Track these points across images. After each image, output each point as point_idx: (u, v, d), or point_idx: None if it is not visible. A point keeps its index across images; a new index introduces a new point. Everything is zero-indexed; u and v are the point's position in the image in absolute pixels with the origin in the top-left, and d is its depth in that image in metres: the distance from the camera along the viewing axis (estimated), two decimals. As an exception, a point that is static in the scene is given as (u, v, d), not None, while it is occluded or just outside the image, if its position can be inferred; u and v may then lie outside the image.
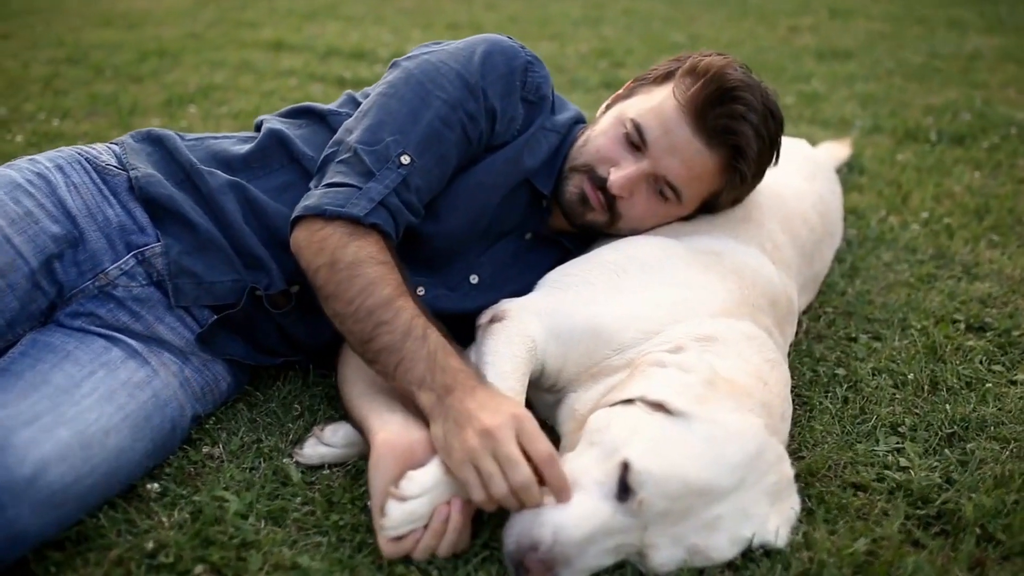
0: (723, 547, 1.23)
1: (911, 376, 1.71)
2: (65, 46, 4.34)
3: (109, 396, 1.40)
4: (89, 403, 1.37)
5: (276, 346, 1.67)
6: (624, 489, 1.20)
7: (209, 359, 1.60)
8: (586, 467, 1.26)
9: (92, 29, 4.71)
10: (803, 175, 2.02)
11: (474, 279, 1.74)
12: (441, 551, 1.26)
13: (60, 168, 1.57)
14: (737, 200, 1.75)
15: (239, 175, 1.64)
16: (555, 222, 1.79)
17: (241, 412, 1.63)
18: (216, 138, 1.75)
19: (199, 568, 1.27)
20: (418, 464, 1.29)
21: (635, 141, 1.63)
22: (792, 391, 1.64)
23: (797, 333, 1.87)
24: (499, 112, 1.62)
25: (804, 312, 1.95)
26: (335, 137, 1.60)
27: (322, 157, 1.59)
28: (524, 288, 1.66)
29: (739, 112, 1.59)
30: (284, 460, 1.50)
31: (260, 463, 1.50)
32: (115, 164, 1.61)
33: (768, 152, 1.67)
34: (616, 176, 1.63)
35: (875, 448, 1.53)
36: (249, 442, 1.55)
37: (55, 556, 1.31)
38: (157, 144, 1.68)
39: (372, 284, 1.40)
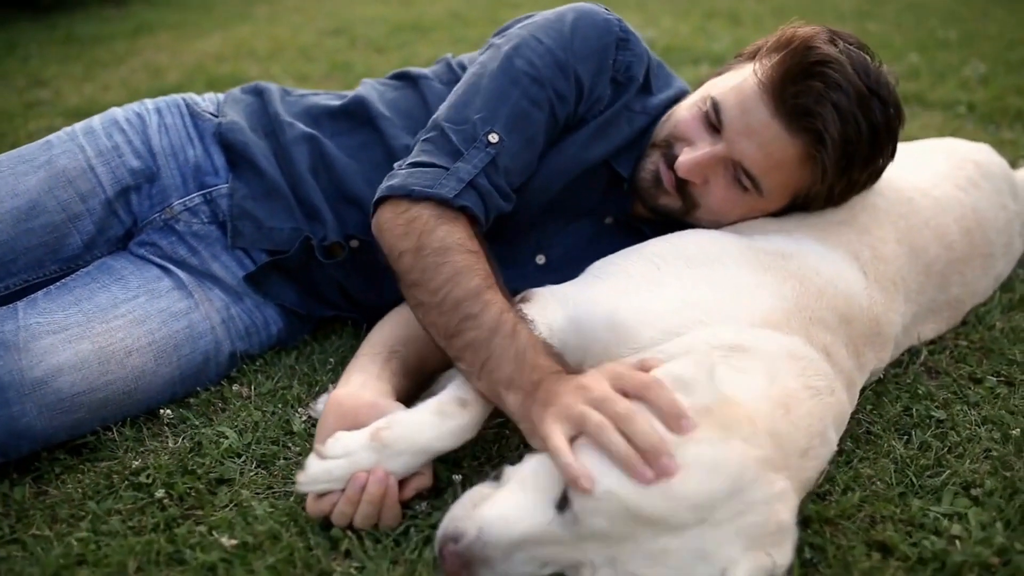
0: None
1: (1016, 432, 1.40)
2: (334, 19, 4.69)
3: (142, 320, 1.50)
4: (120, 323, 1.48)
5: (331, 298, 1.70)
6: (566, 499, 1.08)
7: (262, 302, 1.65)
8: (541, 467, 1.14)
9: (363, 5, 5.05)
10: (956, 181, 1.71)
11: (540, 259, 1.66)
12: (357, 520, 1.21)
13: (159, 110, 1.70)
14: (834, 199, 1.52)
15: (322, 130, 1.68)
16: (638, 208, 1.66)
17: (285, 358, 1.67)
18: (317, 94, 1.80)
19: (160, 492, 1.33)
20: (358, 427, 1.25)
21: (713, 121, 1.47)
22: (861, 428, 1.42)
23: (909, 363, 1.60)
24: (587, 91, 1.52)
25: (931, 342, 1.66)
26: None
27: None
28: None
29: (817, 90, 1.38)
30: (291, 409, 1.52)
31: (279, 408, 1.54)
32: (211, 111, 1.72)
33: (868, 143, 1.42)
34: (685, 157, 1.48)
35: (931, 508, 1.26)
36: (280, 388, 1.60)
37: (66, 460, 1.43)
38: (257, 96, 1.77)
39: (460, 273, 1.30)
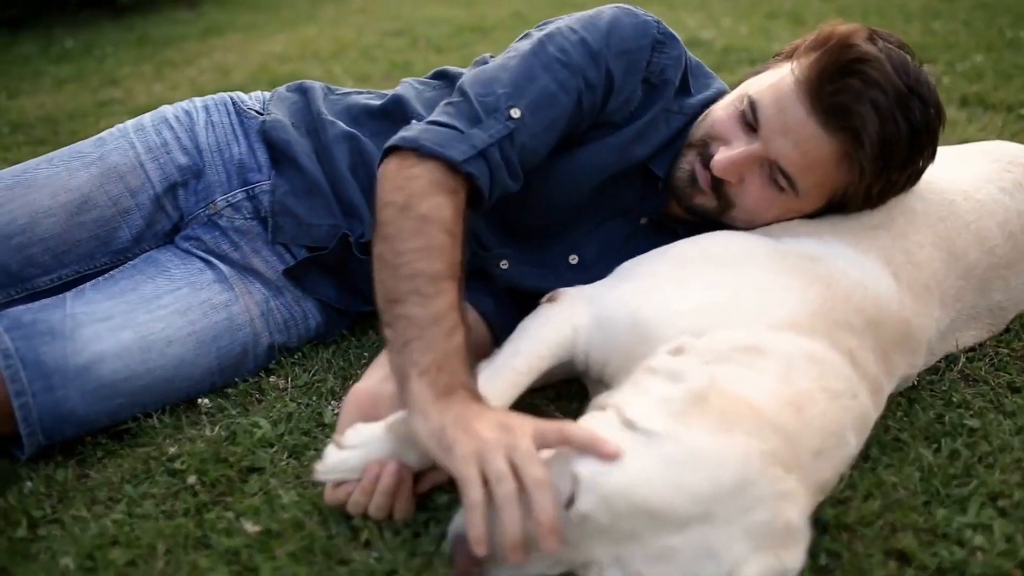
0: None
1: (1050, 443, 1.37)
2: (397, 20, 4.76)
3: (184, 311, 1.56)
4: (162, 314, 1.54)
5: (369, 293, 1.71)
6: (572, 498, 1.09)
7: (301, 296, 1.70)
8: (551, 474, 1.13)
9: (427, 6, 5.11)
10: (1000, 184, 1.67)
11: (574, 259, 1.67)
12: (371, 511, 1.24)
13: (206, 108, 1.76)
14: (872, 200, 1.49)
15: (362, 129, 1.72)
16: (673, 208, 1.65)
17: (323, 352, 1.72)
18: (360, 93, 1.84)
19: (192, 479, 1.38)
20: (378, 419, 1.28)
21: (749, 120, 1.45)
22: (889, 435, 1.41)
23: (946, 371, 1.57)
24: (616, 87, 1.52)
25: (970, 349, 1.62)
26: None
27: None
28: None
29: (855, 88, 1.35)
30: (324, 402, 1.56)
31: (313, 400, 1.58)
32: (256, 109, 1.77)
33: (907, 143, 1.40)
34: (720, 156, 1.47)
35: (956, 518, 1.24)
36: (315, 381, 1.64)
37: (108, 444, 1.49)
38: (302, 94, 1.81)
39: (430, 249, 1.28)
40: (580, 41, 1.49)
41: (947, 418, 1.46)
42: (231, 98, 1.80)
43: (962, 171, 1.70)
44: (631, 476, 1.07)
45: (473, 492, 1.08)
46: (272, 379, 1.64)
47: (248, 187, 1.69)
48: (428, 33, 4.44)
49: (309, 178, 1.67)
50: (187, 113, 1.74)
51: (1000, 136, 2.54)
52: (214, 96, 1.81)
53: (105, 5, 5.23)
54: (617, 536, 1.08)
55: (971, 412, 1.47)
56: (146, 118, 1.74)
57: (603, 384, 1.42)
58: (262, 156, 1.71)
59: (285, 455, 1.45)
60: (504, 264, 1.63)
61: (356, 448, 1.25)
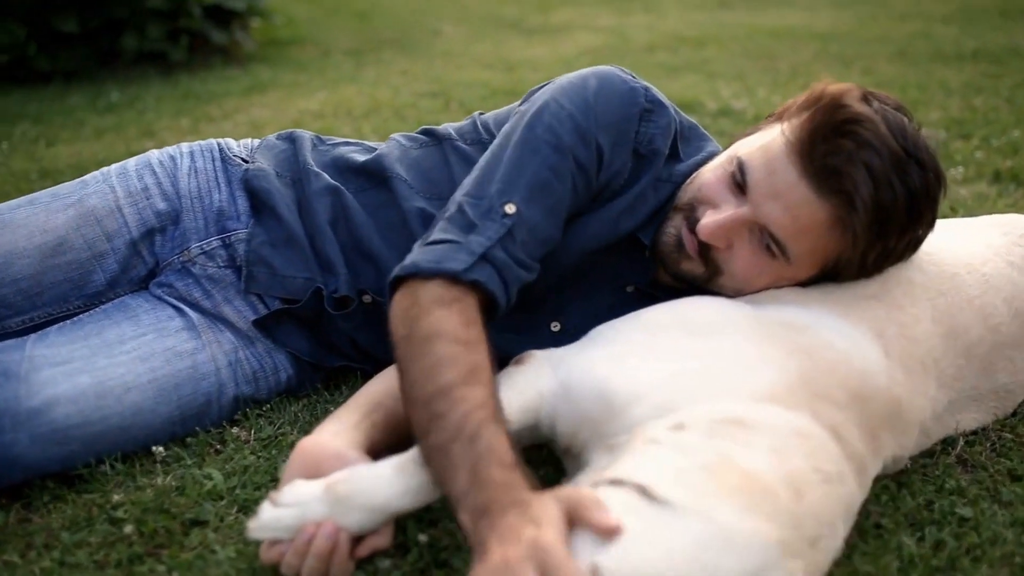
0: None
1: (1045, 537, 1.25)
2: (436, 82, 4.79)
3: (146, 358, 1.52)
4: (123, 359, 1.50)
5: (343, 348, 1.68)
6: None
7: (273, 348, 1.66)
8: None
9: (468, 70, 5.15)
10: (1010, 258, 1.57)
11: (555, 326, 1.61)
12: (304, 574, 1.17)
13: (191, 153, 1.75)
14: (867, 269, 1.41)
15: (347, 184, 1.69)
16: (660, 275, 1.59)
17: (292, 405, 1.67)
18: (348, 144, 1.82)
19: (130, 528, 1.33)
20: (320, 476, 1.22)
21: (739, 182, 1.39)
22: (870, 520, 1.30)
23: (941, 454, 1.46)
24: (606, 161, 1.47)
25: (972, 433, 1.52)
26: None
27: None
28: None
29: (848, 149, 1.28)
30: (284, 456, 1.51)
31: (273, 454, 1.52)
32: (242, 156, 1.75)
33: (905, 208, 1.32)
34: (707, 220, 1.40)
35: (934, 615, 1.14)
36: (279, 434, 1.58)
37: (56, 489, 1.44)
38: (290, 143, 1.79)
39: (438, 366, 1.20)
40: (568, 117, 1.44)
41: (937, 505, 1.35)
42: (218, 144, 1.78)
43: (970, 243, 1.61)
44: (657, 558, 0.98)
45: None
46: (235, 430, 1.59)
47: (224, 235, 1.66)
48: (462, 95, 4.46)
49: (287, 229, 1.64)
50: (172, 158, 1.74)
51: (1030, 213, 2.43)
52: (202, 142, 1.80)
53: (158, 61, 5.36)
54: None
55: (964, 500, 1.37)
56: (131, 162, 1.73)
57: (572, 454, 1.35)
58: (242, 204, 1.69)
59: (234, 509, 1.39)
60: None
61: (291, 507, 1.19)
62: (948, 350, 1.43)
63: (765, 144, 1.39)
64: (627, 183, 1.51)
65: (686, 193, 1.49)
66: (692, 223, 1.44)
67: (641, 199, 1.51)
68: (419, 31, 6.99)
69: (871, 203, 1.29)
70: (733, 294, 1.46)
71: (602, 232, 1.52)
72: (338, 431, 1.31)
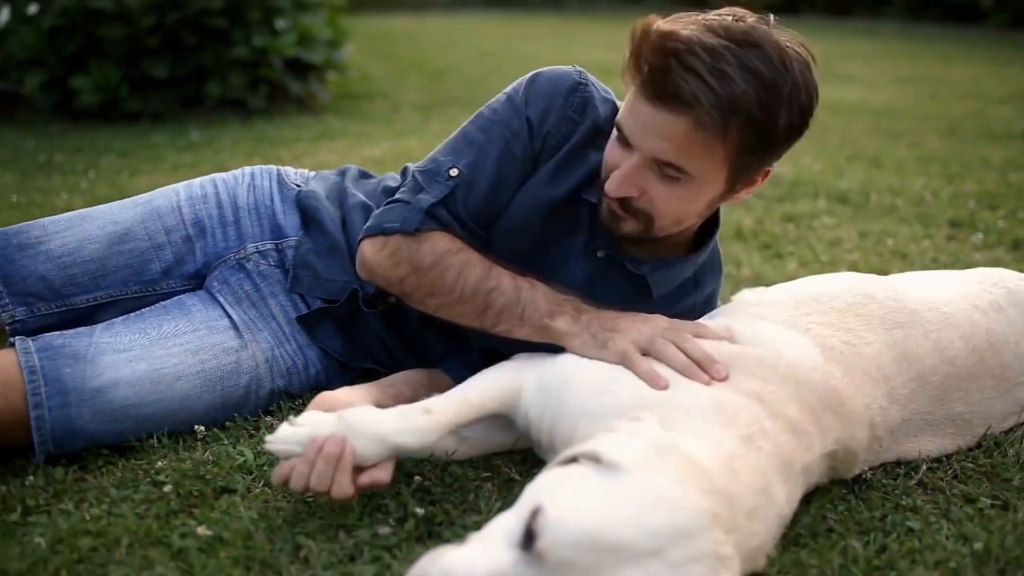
0: None
1: (979, 545, 1.36)
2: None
3: (196, 351, 1.73)
4: (176, 351, 1.71)
5: (372, 349, 1.88)
6: (530, 536, 1.13)
7: (306, 344, 1.86)
8: (502, 519, 1.22)
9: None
10: (975, 302, 1.70)
11: None
12: (313, 480, 1.37)
13: (253, 174, 2.00)
14: (772, 147, 1.53)
15: (379, 202, 1.90)
16: (621, 240, 1.75)
17: (321, 401, 1.86)
18: (389, 175, 2.04)
19: (168, 488, 1.52)
20: None
21: (622, 139, 1.56)
22: (822, 523, 1.44)
23: (904, 477, 1.59)
24: (535, 127, 1.68)
25: (936, 460, 1.64)
26: None
27: None
28: None
29: (670, 64, 1.43)
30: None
31: (299, 441, 1.71)
32: (297, 182, 2.00)
33: (753, 85, 1.42)
34: (610, 181, 1.57)
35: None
36: (307, 424, 1.77)
37: (109, 455, 1.65)
38: (340, 175, 2.04)
39: (464, 267, 1.60)
40: (506, 98, 1.71)
41: (889, 519, 1.48)
42: (278, 170, 2.03)
43: (942, 288, 1.76)
44: (593, 509, 1.14)
45: (640, 365, 1.46)
46: (268, 419, 1.79)
47: (278, 240, 1.90)
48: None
49: (331, 240, 1.87)
50: (234, 176, 1.99)
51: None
52: (262, 166, 2.04)
53: (238, 107, 5.70)
54: (578, 571, 1.11)
55: (917, 516, 1.49)
56: (198, 179, 1.98)
57: (543, 448, 1.52)
58: (293, 219, 1.93)
59: (260, 483, 1.57)
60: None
61: (306, 425, 1.39)
62: (901, 372, 1.56)
63: (626, 100, 1.57)
64: (559, 143, 1.69)
65: (603, 171, 1.64)
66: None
67: (578, 157, 1.69)
68: (486, 90, 7.29)
69: (711, 96, 1.41)
70: (678, 230, 1.64)
71: (544, 190, 1.70)
72: (355, 391, 1.57)
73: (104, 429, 1.63)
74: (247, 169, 2.02)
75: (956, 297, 1.71)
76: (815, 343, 1.50)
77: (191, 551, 1.36)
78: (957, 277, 1.87)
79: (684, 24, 1.46)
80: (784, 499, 1.33)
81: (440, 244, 1.62)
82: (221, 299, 1.84)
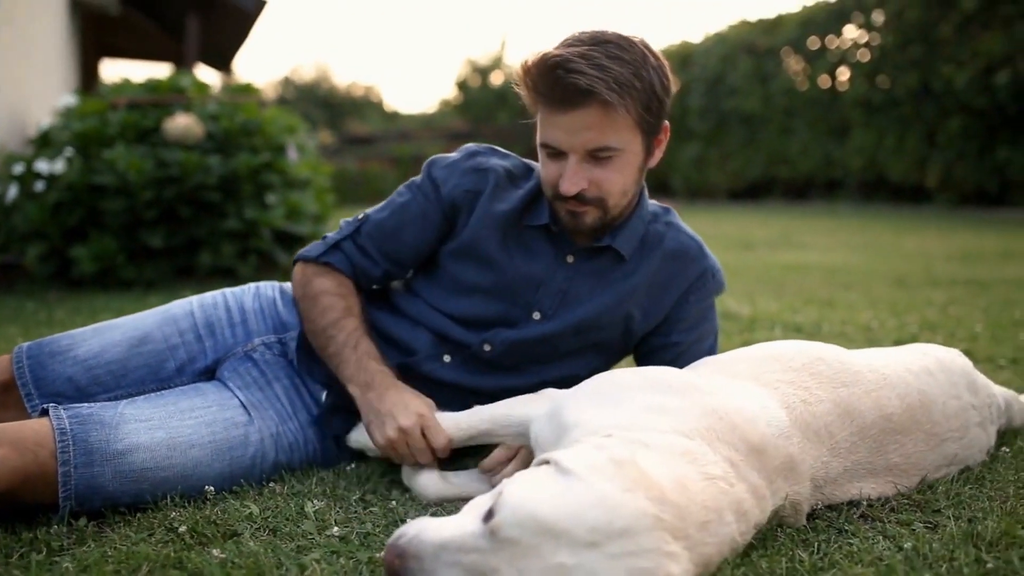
0: None
1: (908, 545, 1.54)
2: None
3: (209, 424, 1.92)
4: (191, 423, 1.90)
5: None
6: (491, 513, 1.34)
7: (307, 423, 2.07)
8: (482, 498, 1.44)
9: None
10: (909, 366, 1.95)
11: (536, 315, 2.06)
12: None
13: (258, 286, 2.29)
14: (659, 102, 1.92)
15: (375, 303, 2.17)
16: (581, 240, 2.07)
17: (318, 472, 2.03)
18: None
19: (183, 529, 1.68)
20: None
21: (553, 152, 1.92)
22: (774, 540, 1.61)
23: (847, 510, 1.77)
24: (442, 183, 2.08)
25: (879, 501, 1.82)
26: None
27: None
28: (599, 307, 2.05)
29: (559, 74, 1.82)
30: (308, 500, 1.86)
31: (301, 501, 1.87)
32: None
33: (620, 61, 1.83)
34: (563, 183, 1.91)
35: (810, 592, 1.43)
36: (306, 490, 1.94)
37: (126, 514, 1.80)
38: None
39: (326, 310, 2.04)
40: (422, 171, 2.14)
41: (832, 538, 1.65)
42: (279, 284, 2.30)
43: (886, 357, 2.03)
44: (542, 499, 1.33)
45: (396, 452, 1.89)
46: (272, 484, 1.96)
47: (281, 335, 2.13)
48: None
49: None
50: (241, 290, 2.27)
51: None
52: (267, 282, 2.32)
53: (228, 275, 5.98)
54: (521, 549, 1.30)
55: (857, 536, 1.66)
56: (209, 292, 2.25)
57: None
58: (294, 318, 2.17)
59: (265, 531, 1.73)
60: (488, 347, 2.05)
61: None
62: (844, 427, 1.78)
63: (539, 122, 1.94)
64: (475, 188, 2.07)
65: (546, 191, 2.02)
66: (562, 197, 1.94)
67: (501, 191, 2.07)
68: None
69: (601, 81, 1.80)
70: (626, 201, 1.99)
71: (488, 206, 2.05)
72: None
73: (123, 490, 1.79)
74: (251, 285, 2.30)
75: (893, 362, 1.96)
76: (781, 402, 1.73)
77: (207, 568, 1.51)
78: (893, 349, 2.12)
79: (549, 50, 1.87)
80: (736, 529, 1.49)
81: (325, 283, 2.07)
82: (231, 384, 2.05)
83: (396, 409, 1.88)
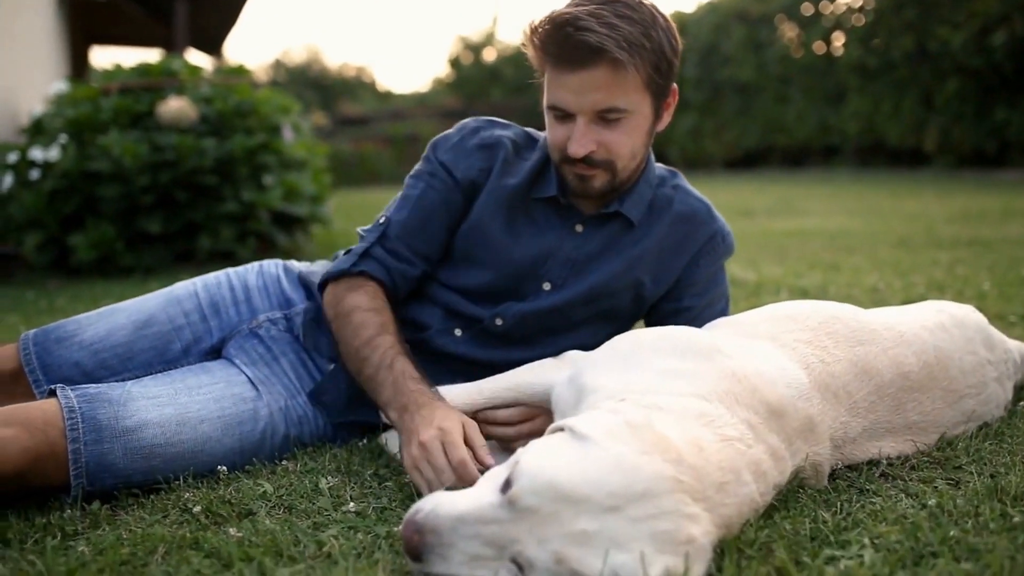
0: (588, 564, 1.25)
1: (932, 502, 1.53)
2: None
3: (217, 399, 1.90)
4: (200, 398, 1.88)
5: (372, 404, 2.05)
6: (508, 483, 1.32)
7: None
8: (497, 469, 1.43)
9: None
10: (924, 324, 1.93)
11: (547, 286, 2.05)
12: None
13: (261, 264, 2.25)
14: (662, 74, 1.89)
15: None
16: (587, 207, 2.05)
17: (330, 448, 2.01)
18: None
19: (198, 509, 1.66)
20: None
21: (562, 114, 1.89)
22: (796, 500, 1.59)
23: (867, 470, 1.75)
24: (451, 166, 2.03)
25: (899, 460, 1.80)
26: None
27: None
28: (609, 274, 2.02)
29: (569, 32, 1.79)
30: (322, 477, 1.84)
31: (315, 478, 1.85)
32: (300, 269, 2.23)
33: (629, 21, 1.80)
34: (571, 145, 1.88)
35: (836, 552, 1.41)
36: (318, 467, 1.92)
37: (139, 496, 1.78)
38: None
39: (358, 328, 1.90)
40: (421, 161, 2.09)
41: (854, 498, 1.63)
42: (282, 261, 2.27)
43: (902, 314, 2.02)
44: (559, 466, 1.32)
45: (425, 491, 1.62)
46: (284, 462, 1.93)
47: (286, 310, 2.10)
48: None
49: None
50: (245, 269, 2.24)
51: None
52: (270, 260, 2.28)
53: (228, 259, 5.95)
54: (540, 517, 1.28)
55: (879, 495, 1.64)
56: (212, 273, 2.22)
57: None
58: (299, 293, 2.15)
59: (280, 509, 1.71)
60: (499, 321, 2.02)
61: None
62: (862, 386, 1.76)
63: (546, 85, 1.91)
64: (486, 165, 2.03)
65: (553, 155, 1.98)
66: (570, 160, 1.92)
67: (511, 166, 2.04)
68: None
69: (611, 40, 1.78)
70: (635, 164, 1.97)
71: (497, 182, 2.02)
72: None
73: (133, 467, 1.77)
74: (254, 263, 2.26)
75: (908, 320, 1.93)
76: (800, 363, 1.70)
77: (225, 547, 1.49)
78: (907, 307, 2.10)
79: (557, 9, 1.84)
80: (756, 490, 1.47)
81: (357, 300, 1.93)
82: (237, 361, 2.03)
83: (422, 425, 1.69)
